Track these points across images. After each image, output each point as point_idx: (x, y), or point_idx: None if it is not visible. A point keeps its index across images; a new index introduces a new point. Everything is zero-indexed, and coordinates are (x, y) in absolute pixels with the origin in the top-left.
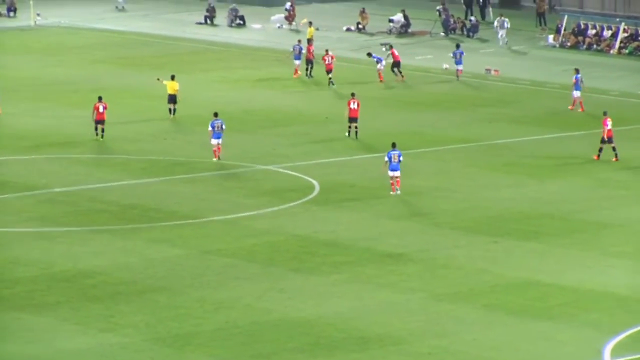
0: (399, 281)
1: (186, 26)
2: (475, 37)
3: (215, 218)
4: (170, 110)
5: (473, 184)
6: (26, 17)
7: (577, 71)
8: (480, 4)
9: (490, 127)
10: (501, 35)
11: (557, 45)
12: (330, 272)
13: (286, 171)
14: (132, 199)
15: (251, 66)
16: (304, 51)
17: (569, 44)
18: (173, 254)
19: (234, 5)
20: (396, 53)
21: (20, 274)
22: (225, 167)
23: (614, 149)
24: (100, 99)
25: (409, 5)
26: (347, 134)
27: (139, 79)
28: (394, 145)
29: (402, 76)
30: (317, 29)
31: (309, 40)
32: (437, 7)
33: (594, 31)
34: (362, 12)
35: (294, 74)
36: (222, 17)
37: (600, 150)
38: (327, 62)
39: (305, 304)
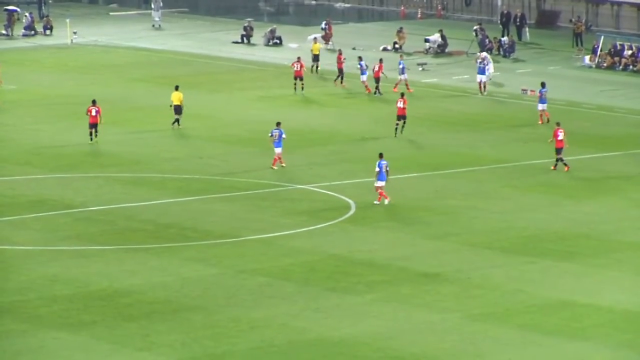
0: (434, 301)
1: (223, 45)
2: (511, 57)
3: (251, 237)
4: (176, 121)
5: (509, 204)
6: (63, 36)
7: (542, 85)
8: (517, 24)
9: (526, 148)
10: (488, 71)
11: (593, 66)
12: (366, 292)
13: (322, 191)
14: (168, 218)
15: (288, 85)
16: (364, 66)
17: (605, 64)
18: (208, 273)
19: (274, 26)
20: (341, 60)
21: (58, 292)
22: (261, 186)
23: (561, 159)
24: (93, 102)
25: (446, 25)
26: (395, 134)
27: None
28: (381, 156)
29: (342, 84)
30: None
31: (315, 57)
32: (474, 27)
33: (630, 52)
34: (400, 31)
35: (366, 90)
36: (258, 36)
37: (557, 160)
38: (295, 68)
39: (341, 324)
